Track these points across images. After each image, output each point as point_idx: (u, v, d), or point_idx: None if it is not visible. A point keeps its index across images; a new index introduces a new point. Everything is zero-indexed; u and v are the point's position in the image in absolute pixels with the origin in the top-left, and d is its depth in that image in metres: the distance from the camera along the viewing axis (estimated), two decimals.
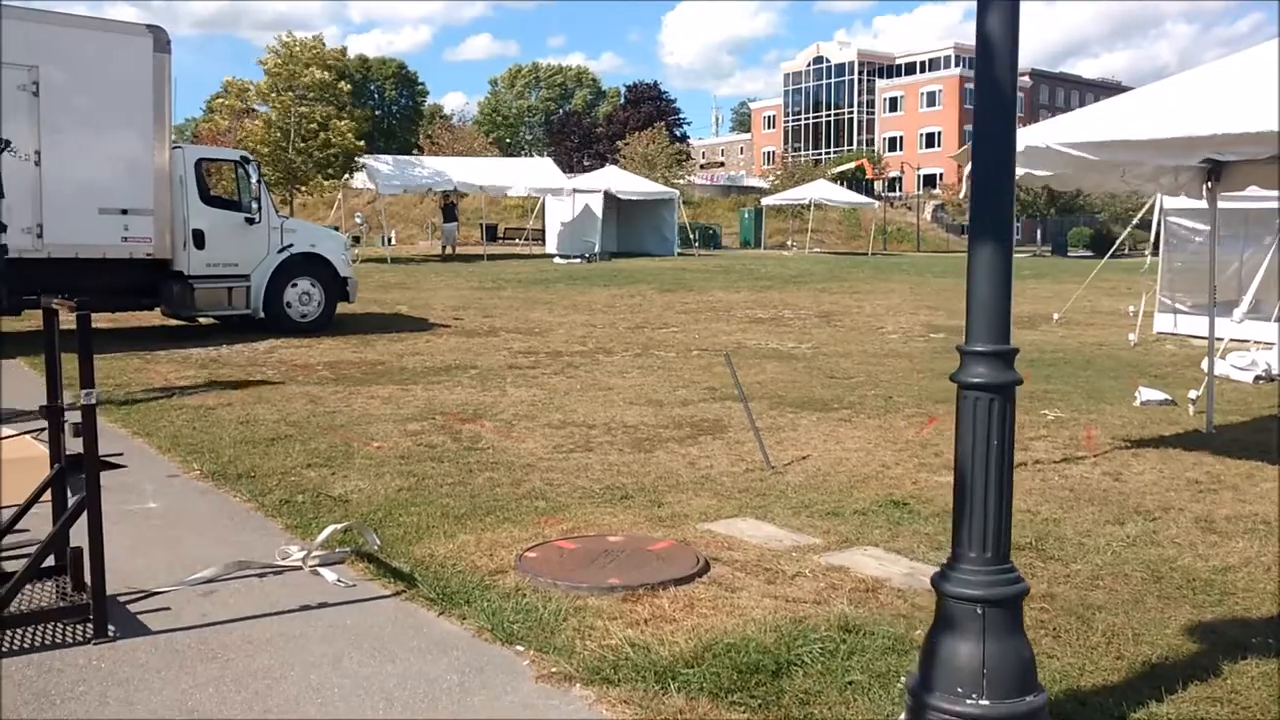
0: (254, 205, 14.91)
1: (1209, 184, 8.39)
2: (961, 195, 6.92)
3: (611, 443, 8.18)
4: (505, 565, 5.09)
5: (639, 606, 4.53)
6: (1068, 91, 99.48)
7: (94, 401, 3.92)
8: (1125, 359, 13.75)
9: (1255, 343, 12.69)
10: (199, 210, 14.48)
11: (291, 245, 15.32)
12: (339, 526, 5.38)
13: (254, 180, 14.91)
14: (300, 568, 5.12)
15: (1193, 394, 9.72)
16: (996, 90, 3.10)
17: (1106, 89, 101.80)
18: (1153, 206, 16.45)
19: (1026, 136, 6.76)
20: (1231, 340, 13.36)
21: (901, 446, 8.17)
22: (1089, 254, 57.22)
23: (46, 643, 4.03)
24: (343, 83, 34.84)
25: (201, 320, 15.56)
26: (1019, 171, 6.85)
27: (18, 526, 4.69)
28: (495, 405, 9.67)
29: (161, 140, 13.75)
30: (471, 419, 9.02)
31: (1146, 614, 4.59)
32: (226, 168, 16.51)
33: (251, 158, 15.69)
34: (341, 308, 16.32)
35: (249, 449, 7.78)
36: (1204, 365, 12.54)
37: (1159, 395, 10.21)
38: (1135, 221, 20.06)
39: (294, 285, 15.32)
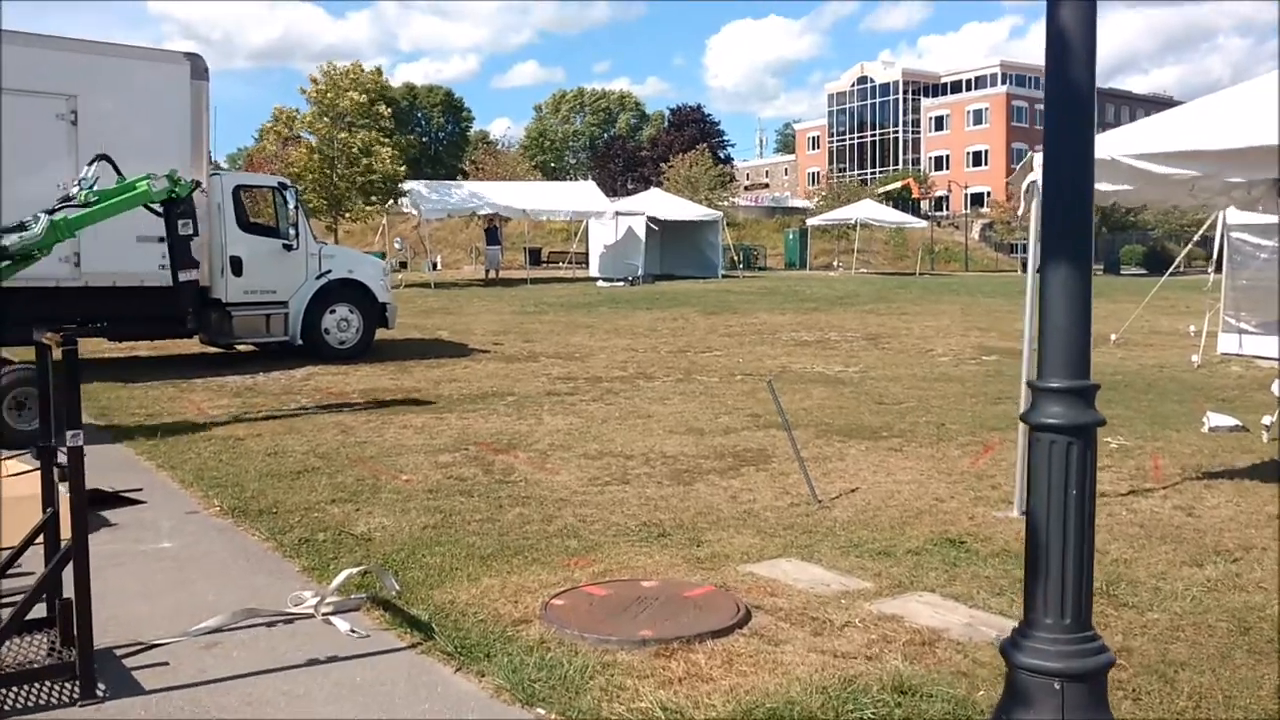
0: (292, 231, 14.76)
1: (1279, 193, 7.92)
2: (1020, 212, 6.48)
3: (650, 474, 7.81)
4: (530, 614, 4.74)
5: (673, 663, 4.15)
6: (1118, 107, 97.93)
7: (80, 443, 3.62)
8: (1189, 382, 13.16)
9: None
10: (236, 237, 14.34)
11: (330, 271, 15.15)
12: (355, 570, 5.07)
13: (291, 206, 14.77)
14: (312, 615, 4.81)
15: (1266, 419, 9.18)
16: (1071, 91, 2.71)
17: (1158, 104, 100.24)
18: (1214, 222, 15.82)
19: None
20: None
21: (956, 478, 7.73)
22: (1143, 272, 56.13)
23: (30, 704, 3.73)
24: (381, 105, 34.85)
25: (239, 347, 15.43)
26: None
27: (19, 569, 4.44)
28: (530, 435, 9.35)
29: (199, 167, 13.62)
30: (505, 449, 8.70)
31: (1236, 672, 4.14)
32: (264, 194, 16.41)
33: (289, 183, 15.55)
34: (381, 334, 16.11)
35: (274, 483, 7.51)
36: (1274, 388, 11.95)
37: (1229, 421, 9.66)
38: (1196, 238, 19.36)
39: (332, 311, 15.13)
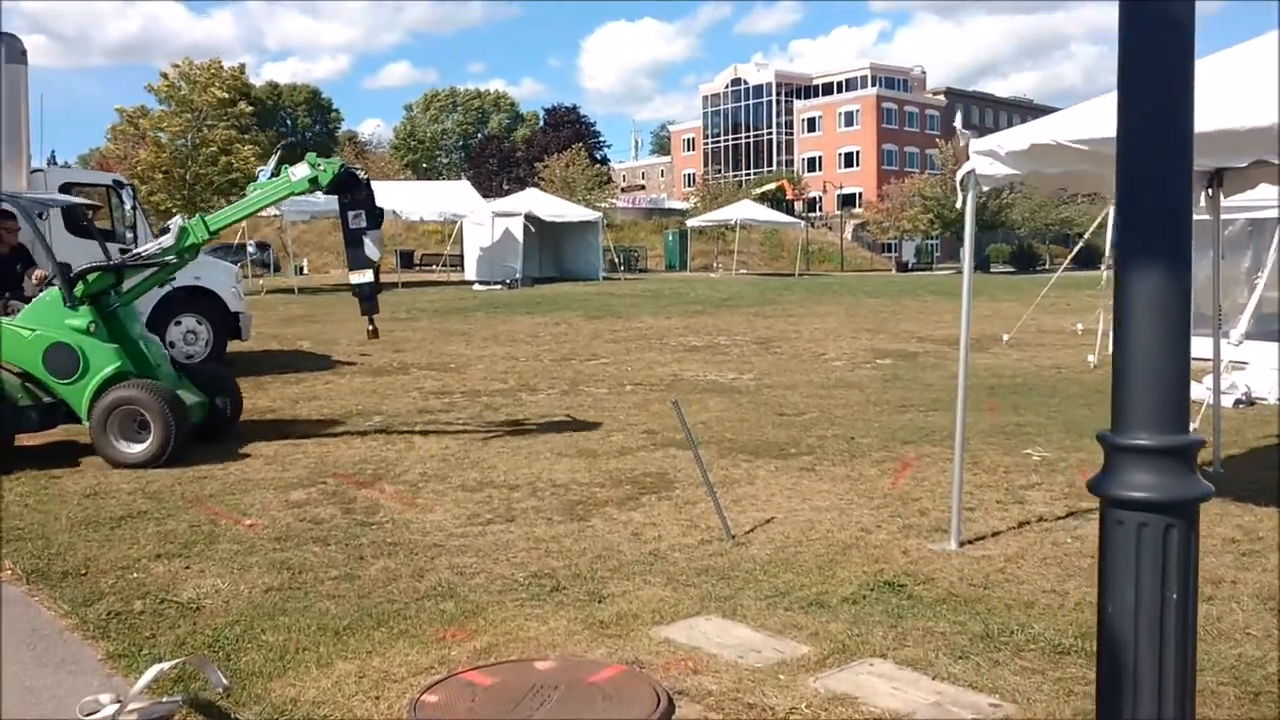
0: (129, 234, 13.26)
1: (1209, 190, 7.42)
2: (958, 205, 5.76)
3: (538, 509, 6.83)
4: (394, 716, 3.73)
5: None
6: (982, 110, 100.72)
7: None
8: (1089, 383, 12.78)
9: (1230, 363, 11.80)
10: (65, 241, 12.77)
11: (174, 278, 13.67)
12: (168, 665, 3.96)
13: (129, 207, 13.29)
14: None
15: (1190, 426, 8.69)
16: (1166, 28, 1.86)
17: (1019, 107, 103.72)
18: (1105, 220, 15.64)
19: (1030, 134, 5.65)
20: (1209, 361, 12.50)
21: (878, 501, 6.97)
22: (1011, 270, 57.40)
23: None
24: (243, 103, 32.94)
25: None
26: (1024, 171, 5.74)
27: None
28: (399, 462, 8.26)
29: (17, 162, 12.08)
30: (369, 482, 7.61)
31: None
32: (99, 194, 14.81)
33: (126, 181, 14.03)
34: (234, 345, 14.72)
35: (88, 533, 6.28)
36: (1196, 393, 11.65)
37: None
38: (1088, 234, 19.26)
39: (178, 323, 13.71)
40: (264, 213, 34.29)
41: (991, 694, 3.91)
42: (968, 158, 5.74)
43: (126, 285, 8.83)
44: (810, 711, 3.76)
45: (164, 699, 3.89)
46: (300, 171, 8.39)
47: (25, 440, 8.76)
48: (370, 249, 8.63)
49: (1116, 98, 1.95)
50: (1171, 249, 1.86)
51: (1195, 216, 9.14)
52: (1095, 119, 5.64)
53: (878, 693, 3.92)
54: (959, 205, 5.91)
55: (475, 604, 4.98)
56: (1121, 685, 1.89)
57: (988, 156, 5.71)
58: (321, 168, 8.38)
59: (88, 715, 3.80)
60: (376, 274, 8.82)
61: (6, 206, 9.25)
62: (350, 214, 8.54)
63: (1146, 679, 1.87)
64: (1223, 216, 13.25)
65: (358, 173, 8.79)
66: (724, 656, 4.30)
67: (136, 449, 8.13)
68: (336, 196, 8.66)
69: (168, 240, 8.53)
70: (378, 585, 5.28)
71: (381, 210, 8.80)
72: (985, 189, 5.74)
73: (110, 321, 8.67)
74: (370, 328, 8.96)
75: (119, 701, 3.82)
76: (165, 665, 3.93)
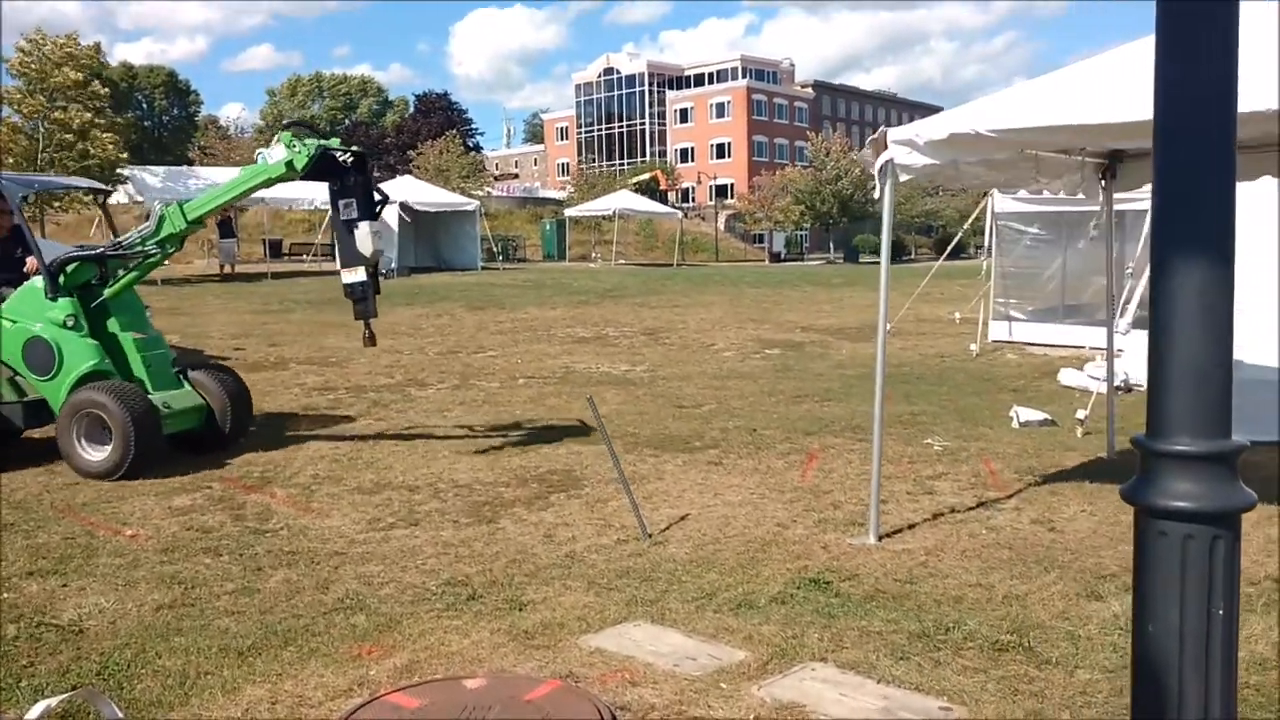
0: None
1: (1102, 181, 7.55)
2: (876, 195, 5.69)
3: (443, 511, 6.54)
4: None
5: None
6: (848, 103, 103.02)
7: None
8: (974, 371, 13.05)
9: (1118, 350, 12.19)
10: None
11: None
12: (54, 702, 3.56)
13: None
14: None
15: (1080, 414, 8.91)
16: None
17: (883, 100, 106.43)
18: (984, 210, 16.01)
19: (949, 123, 5.61)
20: (1090, 349, 12.89)
21: (790, 495, 6.89)
22: (877, 260, 58.76)
23: None
24: (97, 83, 31.18)
25: None
26: (942, 161, 5.69)
27: None
28: (288, 464, 7.83)
29: None
30: (258, 485, 7.17)
31: None
32: None
33: None
34: None
35: None
36: (1062, 378, 11.96)
37: (1038, 415, 9.36)
38: (967, 225, 19.72)
39: None
40: (123, 201, 32.49)
41: (939, 696, 3.82)
42: (885, 148, 5.67)
43: (113, 278, 7.99)
44: None
45: None
46: (276, 154, 7.39)
47: None
48: (364, 242, 7.49)
49: (1155, 78, 1.82)
50: (1218, 241, 1.74)
51: (1078, 208, 9.39)
52: (1013, 109, 5.64)
53: (824, 700, 3.79)
54: (875, 195, 5.84)
55: (388, 616, 4.68)
56: (1164, 710, 1.78)
57: (905, 146, 5.64)
58: (297, 149, 7.30)
59: None
60: (374, 273, 7.71)
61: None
62: (341, 202, 7.56)
63: (1192, 702, 1.76)
64: (1085, 209, 13.78)
65: (340, 155, 7.58)
66: (660, 666, 4.12)
67: (98, 456, 7.41)
68: (327, 184, 7.65)
69: (148, 228, 7.72)
70: (280, 599, 4.93)
71: (382, 198, 7.79)
72: (903, 179, 5.66)
73: (96, 316, 7.90)
74: (366, 333, 7.92)
75: None
76: (52, 701, 3.52)
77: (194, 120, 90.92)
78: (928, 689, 3.88)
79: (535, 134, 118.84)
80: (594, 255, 47.96)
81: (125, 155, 32.48)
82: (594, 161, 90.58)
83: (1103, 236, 12.99)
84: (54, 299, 7.74)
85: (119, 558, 5.57)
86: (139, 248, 7.82)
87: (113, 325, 7.99)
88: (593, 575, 5.27)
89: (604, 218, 47.47)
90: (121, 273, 8.00)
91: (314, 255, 37.60)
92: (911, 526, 6.13)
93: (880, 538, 5.86)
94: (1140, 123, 5.03)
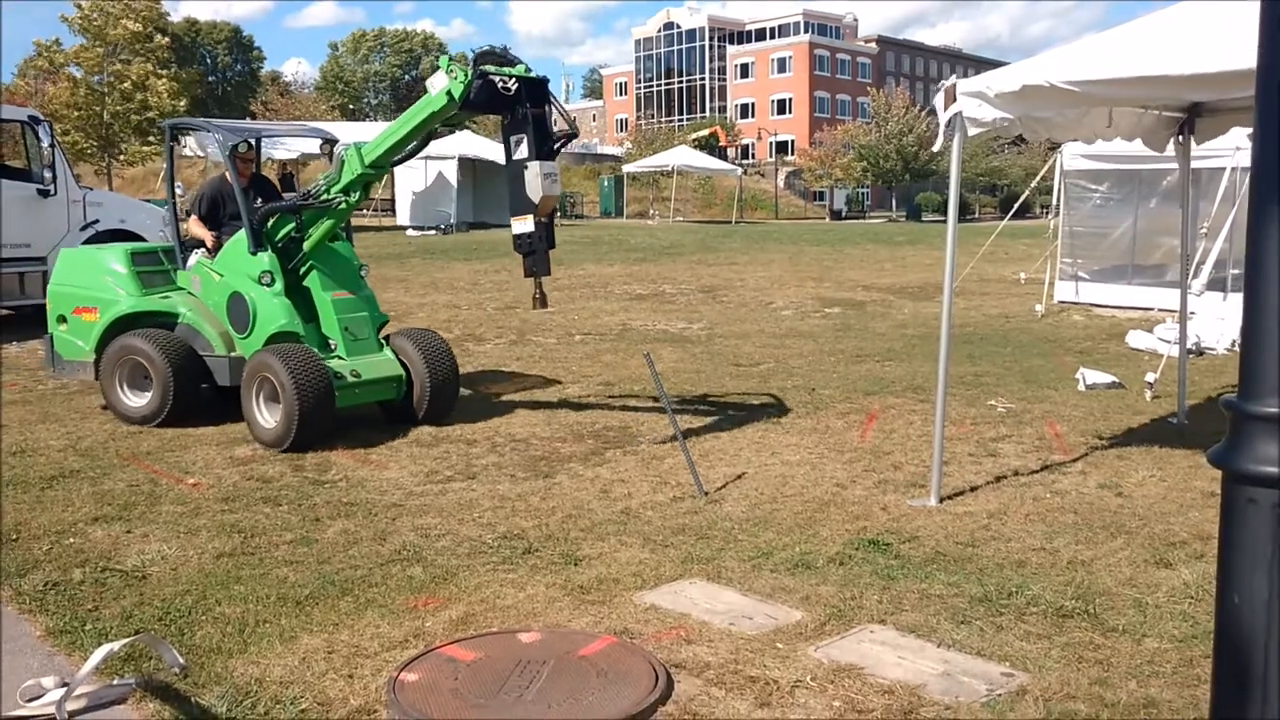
0: (47, 174, 12.53)
1: (1179, 137, 7.27)
2: (937, 148, 5.52)
3: (499, 465, 6.54)
4: (373, 697, 3.44)
5: None
6: (913, 58, 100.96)
7: None
8: (1039, 332, 12.78)
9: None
10: None
11: (97, 221, 13.00)
12: (118, 645, 3.62)
13: (46, 145, 12.52)
14: (53, 718, 3.37)
15: (1150, 377, 8.67)
16: None
17: (949, 55, 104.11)
18: (1053, 168, 15.59)
19: (1021, 74, 5.41)
20: (1160, 310, 12.54)
21: (850, 455, 6.79)
22: (941, 219, 57.82)
23: None
24: (159, 36, 31.51)
25: None
26: (1013, 114, 5.51)
27: None
28: (347, 416, 7.87)
29: None
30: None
31: None
32: (12, 131, 13.97)
33: (42, 118, 13.20)
34: None
35: (17, 495, 5.86)
36: (1130, 340, 11.66)
37: (1105, 378, 9.13)
38: (1034, 183, 19.27)
39: None
40: (187, 154, 32.82)
41: (1001, 661, 3.74)
42: (954, 100, 5.49)
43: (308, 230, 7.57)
44: (817, 685, 3.56)
45: (115, 681, 3.56)
46: (438, 83, 6.56)
47: None
48: (533, 186, 6.51)
49: (1260, 13, 1.70)
50: None
51: (1151, 165, 9.08)
52: (1088, 61, 5.43)
53: (883, 662, 3.73)
54: (937, 148, 5.66)
55: (445, 569, 4.70)
56: (1248, 686, 1.69)
57: (975, 98, 5.46)
58: (455, 75, 6.47)
59: (29, 701, 3.46)
60: (548, 222, 6.72)
61: (249, 139, 8.28)
62: (512, 139, 6.61)
63: (1277, 678, 1.67)
64: (1158, 167, 13.34)
65: (500, 82, 6.51)
66: (715, 624, 4.08)
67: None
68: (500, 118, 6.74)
69: (333, 174, 7.28)
70: (338, 549, 4.96)
71: (563, 135, 6.86)
72: (972, 133, 5.49)
73: (298, 273, 7.59)
74: (537, 293, 6.95)
75: (65, 685, 3.48)
76: (115, 645, 3.58)
77: (256, 76, 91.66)
78: (990, 654, 3.80)
79: (594, 89, 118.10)
80: (651, 212, 47.67)
81: (184, 105, 32.80)
82: (653, 117, 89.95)
83: (1177, 194, 12.60)
84: (254, 253, 7.46)
85: (181, 506, 5.65)
86: (324, 197, 7.32)
87: (312, 283, 7.57)
88: (648, 532, 5.24)
89: (662, 174, 47.11)
90: (314, 227, 7.52)
91: (375, 210, 37.83)
92: (974, 489, 6.01)
93: (941, 500, 5.75)
94: (1227, 73, 4.85)
